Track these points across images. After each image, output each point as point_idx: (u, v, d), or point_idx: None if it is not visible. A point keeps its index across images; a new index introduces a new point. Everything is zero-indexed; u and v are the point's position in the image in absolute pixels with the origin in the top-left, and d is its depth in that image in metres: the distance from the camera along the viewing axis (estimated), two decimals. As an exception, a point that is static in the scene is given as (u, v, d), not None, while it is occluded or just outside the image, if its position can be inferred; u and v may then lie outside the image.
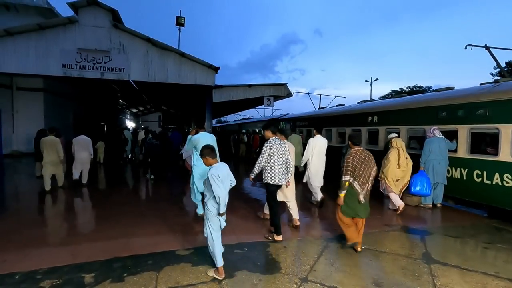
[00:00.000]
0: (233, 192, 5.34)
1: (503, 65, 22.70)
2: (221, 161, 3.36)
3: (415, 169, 6.08)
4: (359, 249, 3.78)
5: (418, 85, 38.50)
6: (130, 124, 40.19)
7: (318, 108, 14.46)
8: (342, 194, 3.74)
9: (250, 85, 13.84)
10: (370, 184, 3.79)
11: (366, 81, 32.64)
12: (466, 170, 5.69)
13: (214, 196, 2.94)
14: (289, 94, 15.20)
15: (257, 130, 19.75)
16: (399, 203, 5.61)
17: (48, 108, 16.01)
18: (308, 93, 20.99)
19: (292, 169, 4.52)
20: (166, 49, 11.77)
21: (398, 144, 5.87)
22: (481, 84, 6.25)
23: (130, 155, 14.28)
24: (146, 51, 11.52)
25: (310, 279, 3.05)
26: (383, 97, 34.04)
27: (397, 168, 5.77)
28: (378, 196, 6.28)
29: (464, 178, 5.72)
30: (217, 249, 3.07)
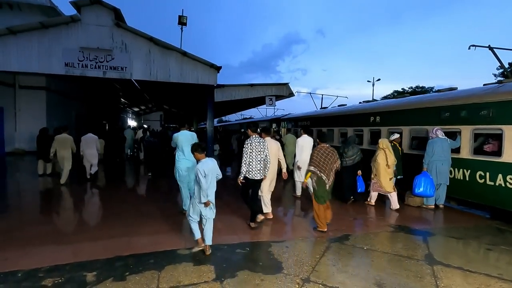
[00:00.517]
0: (234, 192, 5.40)
1: (506, 65, 22.56)
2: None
3: (418, 170, 6.07)
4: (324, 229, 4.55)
5: (421, 86, 38.43)
6: (132, 123, 40.26)
7: (320, 108, 14.43)
8: (306, 179, 4.70)
9: (252, 85, 13.82)
10: (333, 174, 4.55)
11: (368, 81, 32.58)
12: (469, 171, 5.66)
13: (200, 187, 3.42)
14: (291, 94, 15.17)
15: (258, 130, 19.73)
16: (373, 200, 6.18)
17: (50, 107, 16.06)
18: (310, 93, 20.92)
19: (273, 166, 5.02)
20: (168, 48, 11.77)
21: (384, 145, 6.02)
22: (484, 84, 6.22)
23: (128, 154, 14.39)
24: (148, 50, 11.52)
25: (312, 280, 3.04)
26: (385, 97, 33.96)
27: (387, 168, 5.93)
28: (380, 197, 6.26)
29: (467, 179, 5.69)
30: (193, 225, 3.67)
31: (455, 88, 6.90)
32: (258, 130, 5.27)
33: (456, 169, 5.90)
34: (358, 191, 6.33)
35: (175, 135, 5.23)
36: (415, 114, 7.00)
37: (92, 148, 8.29)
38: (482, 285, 3.00)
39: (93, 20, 10.66)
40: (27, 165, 11.42)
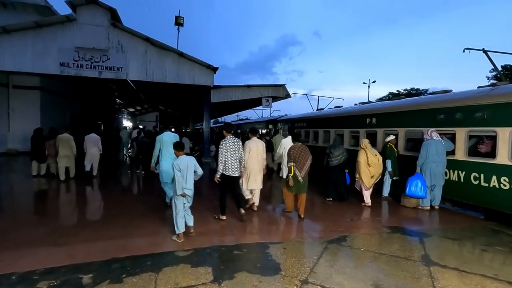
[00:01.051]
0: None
1: (500, 68, 22.90)
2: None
3: (413, 171, 6.12)
4: (302, 215, 5.21)
5: (415, 88, 38.82)
6: (128, 123, 39.99)
7: (316, 110, 14.48)
8: (290, 175, 5.16)
9: (248, 86, 13.84)
10: (306, 169, 5.22)
11: (364, 83, 32.82)
12: (464, 172, 5.72)
13: (176, 180, 3.93)
14: (288, 95, 15.23)
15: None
16: (368, 201, 6.25)
17: (44, 107, 15.86)
18: (306, 94, 21.00)
19: (259, 162, 5.53)
20: (165, 49, 11.74)
21: (365, 145, 6.36)
22: (478, 87, 6.30)
23: (124, 154, 14.38)
24: (144, 50, 11.48)
25: (311, 281, 3.04)
26: (381, 99, 34.21)
27: (368, 166, 6.24)
28: (377, 199, 6.29)
29: (462, 180, 5.75)
30: (178, 219, 4.00)
31: (450, 91, 6.98)
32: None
33: (451, 171, 5.96)
34: (347, 183, 6.66)
35: (159, 136, 5.66)
36: (410, 116, 7.06)
37: (94, 147, 8.78)
38: (478, 285, 3.03)
39: (89, 19, 10.60)
40: (21, 166, 11.27)
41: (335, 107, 12.21)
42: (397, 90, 39.40)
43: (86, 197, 7.06)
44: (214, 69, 12.47)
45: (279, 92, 14.60)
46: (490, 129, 5.35)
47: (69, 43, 10.47)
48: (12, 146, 14.89)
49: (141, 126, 25.02)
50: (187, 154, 4.36)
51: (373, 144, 8.10)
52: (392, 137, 6.78)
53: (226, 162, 4.87)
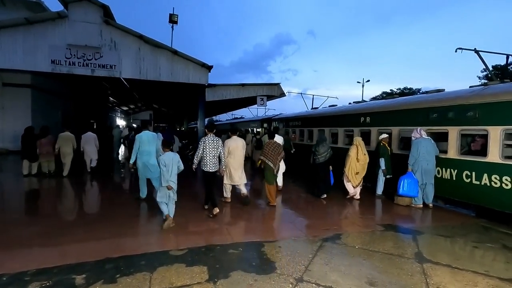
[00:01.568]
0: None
1: (491, 68, 23.26)
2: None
3: (405, 169, 6.18)
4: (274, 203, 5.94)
5: (408, 87, 39.21)
6: (121, 122, 39.57)
7: (311, 109, 14.53)
8: (257, 164, 6.17)
9: (243, 85, 13.81)
10: (278, 163, 5.98)
11: (358, 82, 33.12)
12: (456, 170, 5.80)
13: (162, 174, 4.47)
14: (282, 94, 15.24)
15: (249, 129, 19.72)
16: (352, 192, 6.72)
17: (36, 105, 15.57)
18: (301, 93, 21.11)
19: (239, 159, 5.94)
20: (159, 47, 11.64)
21: (358, 142, 6.71)
22: (470, 86, 6.38)
23: (116, 152, 14.29)
24: (138, 48, 11.36)
25: (306, 279, 3.05)
26: (374, 98, 34.50)
27: (357, 162, 6.62)
28: (370, 197, 6.35)
29: (454, 178, 5.84)
30: (162, 206, 4.55)
31: (443, 90, 7.07)
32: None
33: (443, 169, 6.04)
34: (331, 183, 6.91)
35: (138, 135, 5.99)
36: (404, 115, 7.13)
37: (91, 145, 9.25)
38: (470, 282, 3.08)
39: (81, 16, 10.43)
40: (11, 165, 11.08)
41: (329, 106, 12.28)
42: (391, 90, 39.78)
43: (78, 196, 6.96)
44: (209, 68, 12.41)
45: (274, 91, 14.60)
46: (481, 128, 5.43)
47: (60, 40, 10.30)
48: (2, 145, 14.59)
49: (135, 125, 24.80)
50: (177, 152, 4.78)
51: (367, 143, 8.19)
52: (385, 136, 6.85)
53: (205, 158, 5.23)
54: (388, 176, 6.76)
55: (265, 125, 17.73)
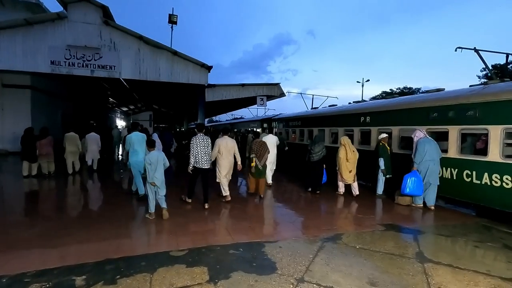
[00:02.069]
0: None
1: (490, 67, 23.24)
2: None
3: (407, 169, 6.16)
4: (262, 195, 6.58)
5: (408, 87, 39.23)
6: (121, 123, 39.55)
7: (311, 108, 14.52)
8: (253, 164, 6.52)
9: (243, 85, 13.80)
10: (264, 160, 6.56)
11: (358, 82, 33.06)
12: (457, 170, 5.79)
13: (147, 171, 4.81)
14: (282, 94, 15.24)
15: (249, 129, 19.69)
16: (341, 190, 7.08)
17: (35, 106, 15.55)
18: (301, 93, 21.10)
19: (229, 158, 6.17)
20: (159, 47, 11.63)
21: (345, 142, 6.94)
22: (470, 86, 6.38)
23: (117, 152, 14.32)
24: (138, 49, 11.35)
25: (306, 279, 3.04)
26: (374, 98, 34.52)
27: (347, 161, 6.82)
28: (371, 197, 6.33)
29: (455, 178, 5.82)
30: (151, 201, 4.87)
31: (443, 89, 7.05)
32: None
33: (444, 168, 6.02)
34: (323, 182, 7.23)
35: (129, 135, 6.36)
36: (404, 114, 7.12)
37: (94, 145, 9.75)
38: (472, 281, 3.07)
39: (80, 17, 10.42)
40: (11, 166, 11.07)
41: (329, 106, 12.26)
42: (390, 89, 39.79)
43: (78, 197, 6.94)
44: (209, 68, 12.40)
45: (274, 91, 14.59)
46: (481, 127, 5.42)
47: (60, 41, 10.29)
48: (2, 147, 14.58)
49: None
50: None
51: (367, 142, 8.19)
52: (384, 135, 6.83)
53: (197, 156, 5.58)
54: (388, 176, 6.74)
55: (265, 125, 17.72)
